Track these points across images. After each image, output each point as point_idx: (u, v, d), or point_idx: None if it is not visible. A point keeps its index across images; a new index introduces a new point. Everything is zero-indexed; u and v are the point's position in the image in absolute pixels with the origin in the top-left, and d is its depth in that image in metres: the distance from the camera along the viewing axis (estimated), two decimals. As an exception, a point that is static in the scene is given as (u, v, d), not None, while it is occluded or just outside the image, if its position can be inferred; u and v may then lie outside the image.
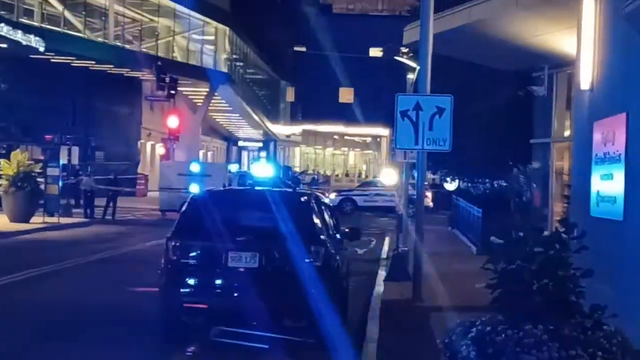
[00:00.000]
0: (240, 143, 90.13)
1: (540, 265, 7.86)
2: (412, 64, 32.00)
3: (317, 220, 14.80)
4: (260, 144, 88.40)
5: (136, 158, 62.09)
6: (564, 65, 22.94)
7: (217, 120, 79.57)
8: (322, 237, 14.36)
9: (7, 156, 37.39)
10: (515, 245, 8.16)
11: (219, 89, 65.88)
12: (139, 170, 61.12)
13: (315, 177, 73.76)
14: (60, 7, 49.73)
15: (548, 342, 7.41)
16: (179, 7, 60.51)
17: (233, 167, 58.42)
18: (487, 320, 8.06)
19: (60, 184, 37.65)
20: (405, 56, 35.38)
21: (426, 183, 30.65)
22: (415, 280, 18.36)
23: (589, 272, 7.98)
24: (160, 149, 64.01)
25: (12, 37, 42.30)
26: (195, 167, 45.06)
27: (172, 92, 52.47)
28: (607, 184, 14.85)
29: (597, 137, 15.81)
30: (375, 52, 72.67)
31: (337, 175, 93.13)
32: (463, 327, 8.15)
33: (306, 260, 13.59)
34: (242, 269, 13.61)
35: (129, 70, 56.57)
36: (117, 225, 37.87)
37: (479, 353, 7.53)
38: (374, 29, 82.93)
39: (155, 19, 60.48)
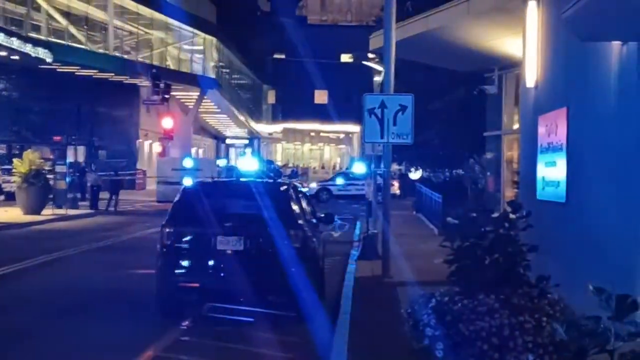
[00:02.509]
0: (228, 141, 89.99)
1: (491, 242, 7.89)
2: (378, 67, 32.02)
3: (295, 207, 14.81)
4: (246, 141, 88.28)
5: (135, 156, 61.83)
6: (512, 67, 22.98)
7: (207, 120, 79.42)
8: (299, 221, 14.38)
9: (19, 156, 37.30)
10: (469, 224, 8.18)
11: (208, 93, 65.77)
12: (138, 166, 60.91)
13: (295, 170, 73.69)
14: (64, 22, 49.52)
15: (499, 309, 7.43)
16: (171, 20, 60.48)
17: (221, 162, 58.36)
18: (445, 291, 8.08)
19: (68, 179, 37.54)
20: (372, 61, 35.39)
21: (393, 173, 30.74)
22: (384, 258, 18.43)
23: (534, 248, 8.01)
24: (156, 147, 63.83)
25: (22, 50, 42.12)
26: (188, 163, 44.96)
27: (166, 96, 52.46)
28: (551, 171, 14.91)
29: (541, 129, 15.87)
30: (345, 58, 72.50)
31: (314, 168, 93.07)
32: (424, 298, 8.17)
33: (286, 243, 13.61)
34: (229, 252, 13.62)
35: (127, 77, 56.38)
36: (119, 216, 37.73)
37: (438, 320, 7.54)
38: (344, 38, 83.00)
39: (150, 31, 60.35)
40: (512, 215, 8.27)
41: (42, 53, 43.82)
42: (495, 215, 8.29)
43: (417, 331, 7.82)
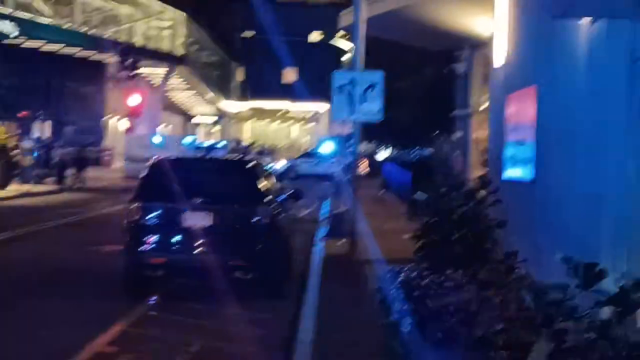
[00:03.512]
0: (196, 119, 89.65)
1: (460, 217, 7.93)
2: (347, 45, 31.97)
3: (262, 184, 14.78)
4: (215, 119, 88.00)
5: (101, 133, 61.44)
6: (481, 45, 23.01)
7: (175, 98, 79.02)
8: (267, 198, 14.35)
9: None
10: (438, 200, 8.22)
11: (176, 70, 65.43)
12: (105, 142, 60.54)
13: (262, 149, 73.56)
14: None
15: (467, 284, 7.47)
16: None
17: (188, 139, 58.15)
18: (413, 267, 8.12)
19: (34, 155, 37.25)
20: (341, 39, 35.35)
21: (362, 152, 30.75)
22: (352, 237, 18.45)
23: (503, 223, 8.07)
24: (124, 124, 63.44)
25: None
26: (156, 139, 44.80)
27: (134, 72, 52.14)
28: (519, 149, 14.99)
29: (510, 108, 15.93)
30: (314, 36, 72.03)
31: (282, 147, 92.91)
32: (392, 274, 8.20)
33: (253, 219, 13.60)
34: (196, 227, 13.57)
35: (95, 53, 55.94)
36: (86, 193, 37.51)
37: (407, 295, 7.57)
38: (314, 16, 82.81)
39: (118, 6, 59.85)
40: (481, 192, 8.31)
41: (8, 26, 43.35)
42: (464, 190, 8.33)
43: (386, 306, 7.85)
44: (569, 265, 4.06)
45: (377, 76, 17.72)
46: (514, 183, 14.73)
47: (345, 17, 25.95)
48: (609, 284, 4.08)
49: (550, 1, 10.27)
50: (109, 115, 63.88)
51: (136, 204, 13.93)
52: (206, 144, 45.77)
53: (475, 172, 24.97)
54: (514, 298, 7.18)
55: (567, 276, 4.14)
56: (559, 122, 12.94)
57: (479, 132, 25.37)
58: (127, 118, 60.33)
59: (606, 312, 3.98)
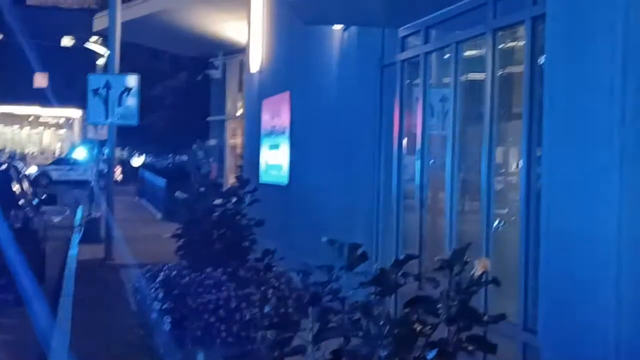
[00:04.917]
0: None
1: (219, 216, 7.95)
2: (102, 50, 31.44)
3: (15, 188, 14.30)
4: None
5: None
6: (236, 52, 23.24)
7: None
8: (20, 202, 13.90)
9: None
10: (198, 199, 8.22)
11: None
12: None
13: (13, 154, 71.00)
14: None
15: (226, 282, 7.49)
16: None
17: None
18: (173, 266, 8.06)
19: None
20: (95, 43, 34.69)
21: (117, 157, 30.28)
22: (106, 242, 18.18)
23: (261, 222, 8.15)
24: None
25: None
26: None
27: None
28: (274, 154, 15.23)
29: (265, 113, 16.17)
30: (66, 41, 70.40)
31: (33, 153, 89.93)
32: (151, 275, 8.11)
33: (5, 223, 13.13)
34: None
35: None
36: None
37: (166, 294, 7.51)
38: (66, 21, 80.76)
39: None
40: (239, 192, 8.36)
41: None
42: (227, 190, 8.37)
43: (145, 306, 7.75)
44: (334, 246, 4.19)
45: (133, 80, 17.53)
46: (270, 187, 14.95)
47: (100, 21, 25.50)
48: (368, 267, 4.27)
49: (302, 8, 10.50)
50: None
51: None
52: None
53: (232, 177, 25.16)
54: (272, 296, 7.29)
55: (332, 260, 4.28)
56: (311, 127, 13.25)
57: (235, 138, 25.58)
58: None
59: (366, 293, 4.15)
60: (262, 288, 7.36)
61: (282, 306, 6.69)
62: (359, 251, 4.14)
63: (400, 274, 4.05)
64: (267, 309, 5.80)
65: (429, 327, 3.93)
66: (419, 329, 3.89)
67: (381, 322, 3.86)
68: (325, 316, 4.21)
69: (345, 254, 4.11)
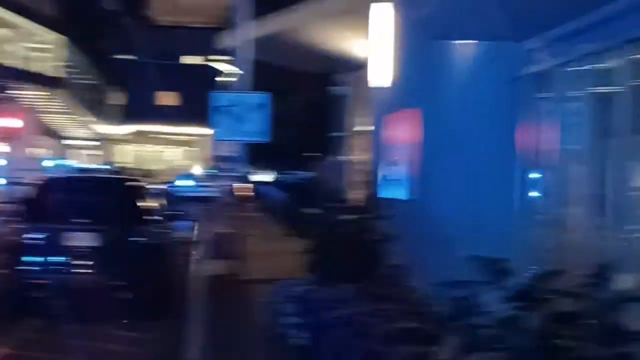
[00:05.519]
0: (72, 142, 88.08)
1: (349, 231, 7.99)
2: (224, 67, 31.95)
3: (143, 203, 14.69)
4: (94, 142, 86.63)
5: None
6: (357, 68, 23.21)
7: (51, 120, 77.52)
8: (148, 217, 14.28)
9: None
10: (327, 214, 8.28)
11: (53, 92, 64.23)
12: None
13: (143, 170, 72.67)
14: None
15: (359, 297, 7.51)
16: (17, 18, 58.61)
17: (64, 162, 57.05)
18: (303, 281, 8.13)
19: None
20: (220, 61, 35.30)
21: (242, 174, 30.65)
22: (233, 257, 18.41)
23: (393, 237, 8.15)
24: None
25: None
26: (44, 163, 44.04)
27: (10, 95, 51.05)
28: (397, 169, 15.15)
29: (388, 129, 16.13)
30: (192, 59, 71.39)
31: (159, 170, 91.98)
32: (281, 288, 8.20)
33: (135, 239, 13.48)
34: (79, 248, 13.37)
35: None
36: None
37: (299, 309, 7.58)
38: (189, 39, 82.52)
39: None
40: (369, 207, 8.40)
41: None
42: (356, 205, 8.41)
43: (276, 320, 7.84)
44: (476, 262, 4.15)
45: (264, 98, 17.78)
46: (393, 201, 14.90)
47: (224, 39, 25.93)
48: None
49: (429, 24, 10.49)
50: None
51: (18, 224, 13.69)
52: (83, 166, 45.12)
53: (354, 193, 25.18)
54: (406, 311, 7.27)
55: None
56: (438, 142, 13.16)
57: (357, 154, 25.62)
58: (5, 141, 58.87)
59: (509, 308, 4.10)
60: (396, 302, 7.35)
61: (418, 321, 6.67)
62: (503, 266, 4.10)
63: (546, 288, 4.00)
64: (403, 323, 5.79)
65: (575, 343, 3.87)
66: (565, 344, 3.84)
67: (528, 336, 3.82)
68: (468, 331, 4.18)
69: (488, 269, 4.08)
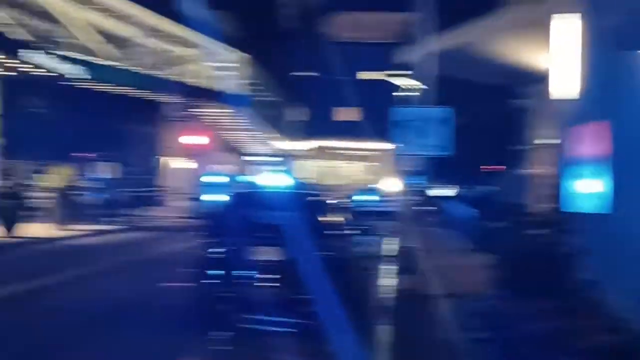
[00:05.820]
0: (255, 158, 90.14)
1: (539, 246, 7.88)
2: (401, 82, 32.01)
3: (327, 219, 14.90)
4: (277, 158, 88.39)
5: (156, 172, 61.83)
6: (538, 80, 22.86)
7: (234, 137, 79.60)
8: (333, 232, 14.46)
9: (40, 172, 37.69)
10: (514, 229, 8.20)
11: (238, 110, 65.94)
12: (157, 182, 60.79)
13: (325, 186, 73.56)
14: (98, 39, 49.78)
15: (550, 313, 7.40)
16: (205, 38, 60.58)
17: (248, 178, 58.52)
18: (492, 296, 8.07)
19: (98, 196, 37.81)
20: (399, 76, 35.41)
21: (423, 188, 30.61)
22: (418, 272, 18.32)
23: (587, 251, 7.99)
24: (182, 163, 63.85)
25: (57, 68, 42.26)
26: (223, 179, 45.34)
27: (195, 113, 52.77)
28: (588, 183, 14.79)
29: (573, 141, 15.79)
30: (372, 74, 72.04)
31: (344, 185, 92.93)
32: (471, 303, 8.15)
33: (321, 253, 13.60)
34: (265, 262, 13.65)
35: (159, 95, 56.53)
36: (150, 232, 37.81)
37: (486, 324, 7.52)
38: (367, 53, 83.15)
39: (183, 49, 60.61)
40: (556, 221, 8.25)
41: (78, 70, 44.06)
42: (544, 219, 8.29)
43: (465, 335, 7.81)
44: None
45: (447, 112, 17.78)
46: (582, 215, 14.56)
47: (405, 54, 26.03)
48: None
49: (621, 33, 10.23)
50: (164, 155, 64.42)
51: (206, 240, 14.10)
52: (267, 182, 46.04)
53: (539, 207, 24.73)
54: (596, 329, 7.10)
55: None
56: (633, 155, 12.79)
57: (540, 167, 25.17)
58: (190, 158, 60.93)
59: None
60: (590, 318, 7.20)
61: (615, 337, 6.52)
62: None
63: None
64: (599, 339, 5.66)
65: None
66: None
67: None
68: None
69: None
